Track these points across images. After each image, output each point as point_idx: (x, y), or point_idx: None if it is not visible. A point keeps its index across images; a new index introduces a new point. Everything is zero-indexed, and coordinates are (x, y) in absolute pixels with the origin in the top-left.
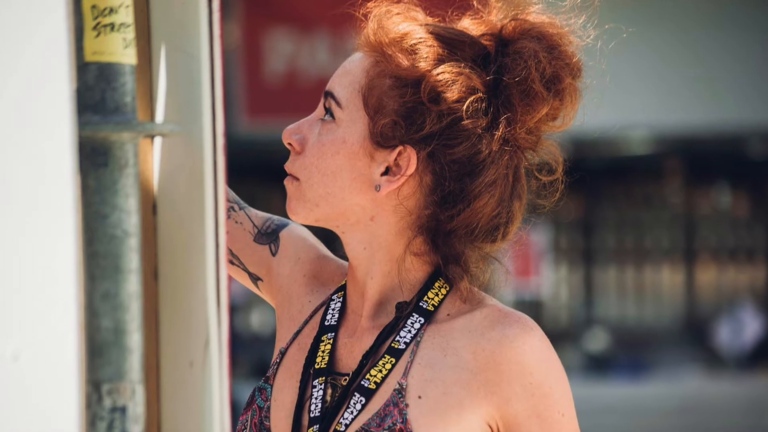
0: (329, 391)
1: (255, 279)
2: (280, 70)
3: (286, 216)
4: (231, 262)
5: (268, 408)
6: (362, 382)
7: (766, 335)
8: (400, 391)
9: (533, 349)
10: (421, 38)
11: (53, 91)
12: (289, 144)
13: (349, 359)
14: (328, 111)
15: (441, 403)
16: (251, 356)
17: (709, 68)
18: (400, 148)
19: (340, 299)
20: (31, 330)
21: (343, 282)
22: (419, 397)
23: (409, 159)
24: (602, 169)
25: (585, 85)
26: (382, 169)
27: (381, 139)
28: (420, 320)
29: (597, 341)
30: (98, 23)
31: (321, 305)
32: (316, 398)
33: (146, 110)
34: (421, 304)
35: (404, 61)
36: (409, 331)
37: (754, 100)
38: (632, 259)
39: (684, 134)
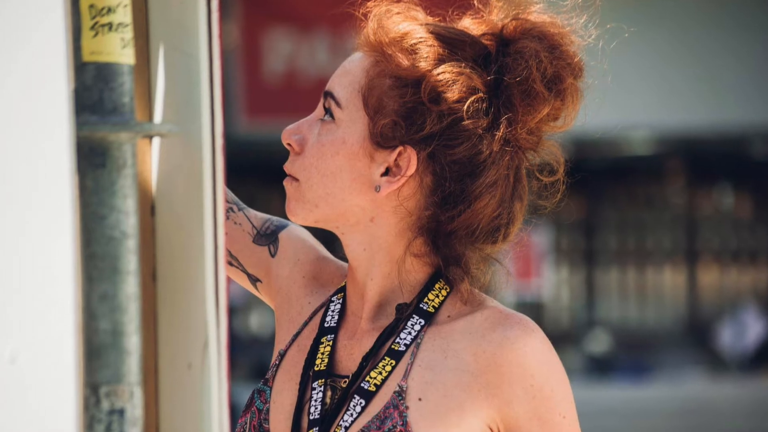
0: (329, 393)
1: (254, 280)
2: (280, 70)
3: (285, 217)
4: (230, 264)
5: (268, 410)
6: (362, 385)
7: None
8: (400, 394)
9: (534, 351)
10: (421, 38)
11: (51, 92)
12: (289, 144)
13: (348, 361)
14: (327, 111)
15: (441, 406)
16: (250, 358)
17: (711, 68)
18: (400, 148)
19: (340, 301)
20: (28, 332)
21: (343, 283)
22: (419, 400)
23: (410, 159)
24: (604, 169)
25: (586, 85)
26: (382, 169)
27: (381, 139)
28: (420, 322)
29: (598, 343)
30: (96, 23)
31: (320, 307)
32: (315, 400)
33: (144, 110)
34: (421, 305)
35: (404, 61)
36: (410, 333)
37: (756, 100)
38: (634, 260)
39: (686, 134)
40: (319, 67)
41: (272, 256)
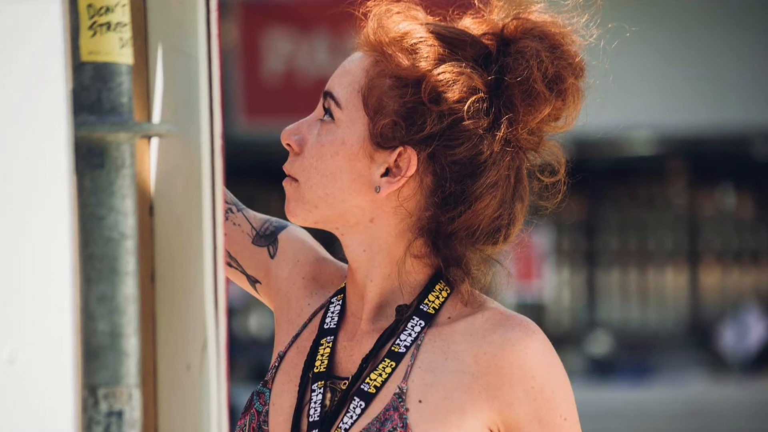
0: (328, 395)
1: (253, 281)
2: (279, 70)
3: (284, 218)
4: (229, 265)
5: (267, 412)
6: (362, 386)
7: None
8: (401, 396)
9: (535, 353)
10: (421, 37)
11: (49, 92)
12: (288, 145)
13: (348, 363)
14: (327, 111)
15: (442, 408)
16: (249, 360)
17: (713, 68)
18: (400, 148)
19: (340, 302)
20: (27, 333)
21: (343, 284)
22: (420, 402)
23: (410, 160)
24: (605, 170)
25: (587, 85)
26: (382, 170)
27: (381, 139)
28: (420, 323)
29: (600, 344)
30: (94, 22)
31: (320, 308)
32: (315, 402)
33: (143, 110)
34: (421, 307)
35: (404, 61)
36: (410, 335)
37: (758, 101)
38: (635, 261)
39: (687, 135)
40: (319, 67)
41: (271, 257)
